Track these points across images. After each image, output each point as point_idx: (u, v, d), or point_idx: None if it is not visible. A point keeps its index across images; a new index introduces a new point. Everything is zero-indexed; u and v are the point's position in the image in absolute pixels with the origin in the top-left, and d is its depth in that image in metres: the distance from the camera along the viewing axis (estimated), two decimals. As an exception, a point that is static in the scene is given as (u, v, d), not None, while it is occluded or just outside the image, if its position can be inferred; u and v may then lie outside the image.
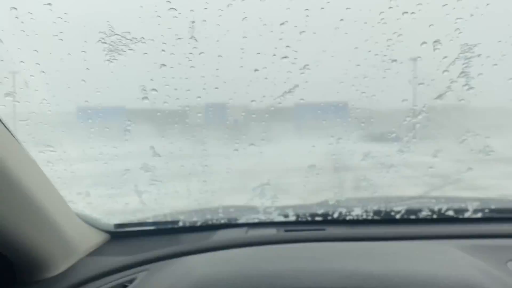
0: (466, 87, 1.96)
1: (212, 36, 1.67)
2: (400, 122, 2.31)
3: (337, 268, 1.41)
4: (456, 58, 1.82)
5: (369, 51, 1.77)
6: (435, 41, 1.71)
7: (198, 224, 2.22)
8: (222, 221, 2.23)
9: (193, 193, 2.45)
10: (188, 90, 1.98)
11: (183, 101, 2.05)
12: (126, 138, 2.25)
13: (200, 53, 1.76)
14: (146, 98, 2.01)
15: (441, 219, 2.14)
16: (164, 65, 1.80)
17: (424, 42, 1.73)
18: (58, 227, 1.66)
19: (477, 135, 2.40)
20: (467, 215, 2.12)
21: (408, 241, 1.73)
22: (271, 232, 2.06)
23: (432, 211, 2.17)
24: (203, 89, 1.97)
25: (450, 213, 2.16)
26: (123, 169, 2.24)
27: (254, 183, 2.44)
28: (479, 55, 1.77)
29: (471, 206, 2.19)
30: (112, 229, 2.20)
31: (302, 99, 2.07)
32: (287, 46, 1.73)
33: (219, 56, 1.78)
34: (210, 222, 2.23)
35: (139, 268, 1.68)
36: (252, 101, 2.10)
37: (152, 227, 2.24)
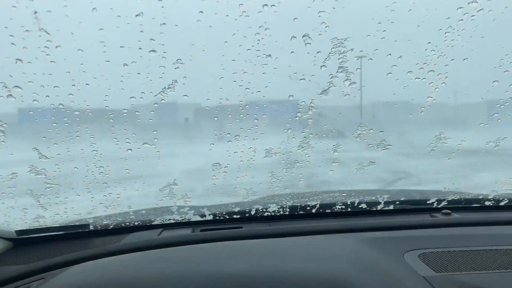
0: (348, 82, 1.94)
1: (64, 28, 1.54)
2: (293, 118, 2.29)
3: (228, 270, 1.37)
4: (330, 53, 1.79)
5: (240, 45, 1.70)
6: (304, 35, 1.67)
7: (110, 227, 2.11)
8: (136, 223, 2.13)
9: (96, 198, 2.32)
10: (56, 86, 1.84)
11: (54, 99, 1.91)
12: (1, 140, 2.09)
13: (56, 47, 1.62)
14: (11, 95, 1.85)
15: (354, 212, 2.16)
16: (19, 60, 1.65)
17: (294, 37, 1.69)
18: None
19: (370, 129, 2.41)
20: (379, 207, 2.14)
21: (321, 235, 1.73)
22: (186, 232, 2.00)
23: (346, 205, 2.18)
24: (72, 85, 1.84)
25: (363, 206, 2.18)
26: (9, 173, 2.08)
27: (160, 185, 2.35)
28: (352, 50, 1.75)
29: (382, 198, 2.19)
30: (14, 236, 2.04)
31: (185, 95, 1.98)
32: (151, 39, 1.63)
33: (79, 50, 1.65)
34: (122, 225, 2.12)
35: (36, 277, 1.56)
36: (131, 97, 1.99)
37: (59, 232, 2.10)
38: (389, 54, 1.80)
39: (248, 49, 1.72)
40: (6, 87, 1.82)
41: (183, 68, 1.80)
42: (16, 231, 2.04)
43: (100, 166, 2.32)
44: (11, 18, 1.46)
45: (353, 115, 2.33)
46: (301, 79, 1.96)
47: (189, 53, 1.72)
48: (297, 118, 2.25)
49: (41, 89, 1.86)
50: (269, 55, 1.78)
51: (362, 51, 1.76)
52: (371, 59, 1.82)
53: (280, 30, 1.66)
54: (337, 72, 1.90)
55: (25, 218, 2.13)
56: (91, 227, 2.08)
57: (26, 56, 1.64)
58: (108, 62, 1.73)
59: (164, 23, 1.59)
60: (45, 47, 1.63)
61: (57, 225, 2.09)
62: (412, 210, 2.17)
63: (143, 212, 2.27)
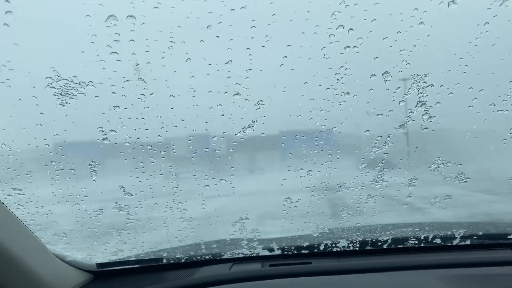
0: (426, 116, 1.94)
1: (160, 77, 1.68)
2: (368, 153, 2.29)
3: None
4: (410, 89, 1.80)
5: (319, 85, 1.76)
6: (384, 73, 1.70)
7: (183, 260, 2.19)
8: (207, 257, 2.19)
9: (172, 230, 2.43)
10: (147, 129, 1.99)
11: (144, 140, 2.06)
12: (93, 179, 2.26)
13: (151, 94, 1.77)
14: (106, 139, 2.02)
15: (429, 247, 2.09)
16: (117, 106, 1.81)
17: (373, 75, 1.72)
18: (32, 270, 1.63)
19: (448, 162, 2.36)
20: (455, 242, 2.06)
21: (394, 272, 1.68)
22: (256, 267, 2.02)
23: (419, 240, 2.12)
24: (162, 128, 1.97)
25: (438, 241, 2.11)
26: (97, 209, 2.24)
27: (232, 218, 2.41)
28: (432, 85, 1.76)
29: (458, 233, 2.12)
30: (94, 268, 2.17)
31: (263, 133, 2.06)
32: (237, 83, 1.74)
33: (171, 96, 1.79)
34: (194, 259, 2.19)
35: None
36: (214, 137, 2.09)
37: (135, 266, 2.21)
38: (471, 87, 1.78)
39: (327, 88, 1.78)
40: (103, 131, 1.99)
41: (263, 109, 1.89)
42: (96, 264, 2.13)
43: (179, 202, 2.42)
44: (115, 70, 1.62)
45: (431, 148, 2.29)
46: (378, 115, 1.97)
47: (270, 95, 1.80)
48: (372, 153, 2.26)
49: (133, 132, 2.02)
50: (348, 93, 1.82)
51: (443, 85, 1.77)
52: (451, 93, 1.81)
53: (360, 69, 1.71)
54: (416, 106, 1.90)
55: (105, 252, 2.23)
56: (165, 261, 2.14)
57: (124, 103, 1.79)
58: (196, 106, 1.85)
59: (250, 69, 1.69)
60: (141, 94, 1.78)
61: (134, 258, 2.18)
62: (491, 246, 2.06)
63: (214, 245, 2.31)
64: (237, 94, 1.81)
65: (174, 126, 2.00)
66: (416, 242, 2.11)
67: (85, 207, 2.37)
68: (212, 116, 1.90)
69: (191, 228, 2.34)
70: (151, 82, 1.70)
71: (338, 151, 2.26)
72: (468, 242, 2.08)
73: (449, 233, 2.13)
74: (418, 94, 1.83)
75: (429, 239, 2.10)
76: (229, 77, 1.70)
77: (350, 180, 2.63)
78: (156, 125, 1.96)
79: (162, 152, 2.18)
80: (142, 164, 2.27)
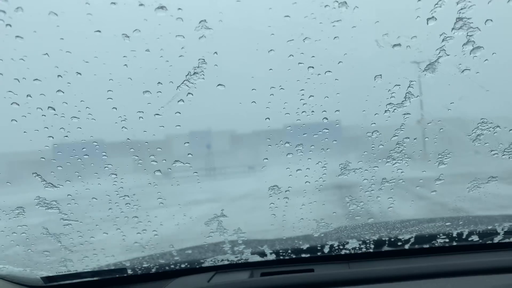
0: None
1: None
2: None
3: None
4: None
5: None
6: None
7: (152, 271, 1.77)
8: (182, 266, 1.78)
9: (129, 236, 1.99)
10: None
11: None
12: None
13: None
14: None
15: (463, 246, 1.70)
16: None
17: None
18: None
19: (497, 127, 1.78)
20: (497, 240, 1.69)
21: (420, 280, 1.38)
22: (243, 276, 1.67)
23: (450, 237, 1.71)
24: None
25: (474, 238, 1.71)
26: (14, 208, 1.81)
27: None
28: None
29: (502, 228, 1.71)
30: (41, 283, 1.78)
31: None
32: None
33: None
34: (166, 268, 1.78)
35: None
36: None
37: (92, 278, 1.79)
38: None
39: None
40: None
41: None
42: (42, 278, 1.76)
43: (125, 195, 1.97)
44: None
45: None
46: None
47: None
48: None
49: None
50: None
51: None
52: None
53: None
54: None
55: (48, 262, 1.87)
56: (130, 271, 1.76)
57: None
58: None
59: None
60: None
61: (89, 270, 1.80)
62: None
63: (190, 251, 1.90)
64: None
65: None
66: (447, 240, 1.71)
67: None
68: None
69: (153, 231, 1.91)
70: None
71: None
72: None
73: (490, 227, 1.72)
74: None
75: (464, 236, 1.70)
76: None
77: (358, 158, 2.13)
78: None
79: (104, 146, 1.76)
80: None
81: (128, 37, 1.33)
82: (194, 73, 1.47)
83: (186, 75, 1.47)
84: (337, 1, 1.34)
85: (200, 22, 1.32)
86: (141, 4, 1.32)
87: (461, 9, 1.26)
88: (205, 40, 1.39)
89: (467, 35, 1.29)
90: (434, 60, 1.37)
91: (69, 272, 1.85)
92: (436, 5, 1.25)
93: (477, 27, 1.26)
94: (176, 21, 1.33)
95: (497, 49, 1.36)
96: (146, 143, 1.85)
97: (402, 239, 1.75)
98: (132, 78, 1.47)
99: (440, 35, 1.34)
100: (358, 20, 1.28)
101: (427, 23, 1.30)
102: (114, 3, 1.28)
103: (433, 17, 1.31)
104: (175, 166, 1.93)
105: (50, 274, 1.81)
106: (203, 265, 1.79)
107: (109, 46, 1.37)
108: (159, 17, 1.29)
